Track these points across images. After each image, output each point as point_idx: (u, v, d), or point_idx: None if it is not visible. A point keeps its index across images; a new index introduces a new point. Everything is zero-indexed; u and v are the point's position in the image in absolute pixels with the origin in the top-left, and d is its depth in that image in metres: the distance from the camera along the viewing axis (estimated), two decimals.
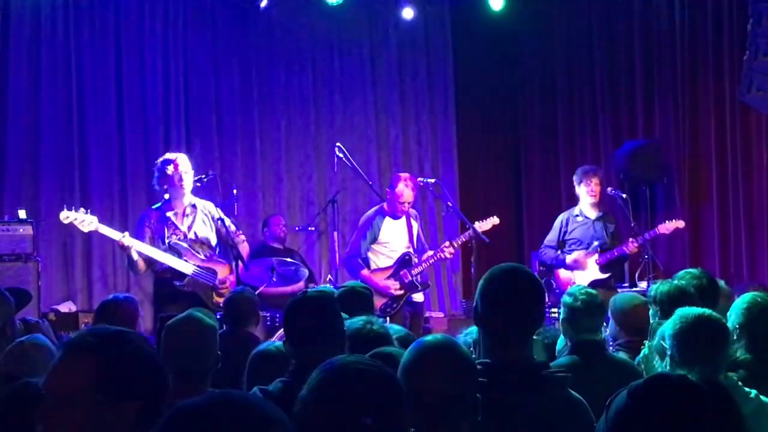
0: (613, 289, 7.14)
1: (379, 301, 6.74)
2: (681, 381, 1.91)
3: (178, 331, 3.55)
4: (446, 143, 10.21)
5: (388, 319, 6.60)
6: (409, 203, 7.04)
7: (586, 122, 9.90)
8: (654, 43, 9.27)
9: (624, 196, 7.69)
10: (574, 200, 9.77)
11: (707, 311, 3.39)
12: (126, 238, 5.98)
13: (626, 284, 8.06)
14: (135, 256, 6.05)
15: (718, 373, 3.20)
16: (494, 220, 7.15)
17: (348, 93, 9.75)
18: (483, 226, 7.05)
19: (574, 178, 7.84)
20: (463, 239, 7.13)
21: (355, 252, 7.05)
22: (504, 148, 10.64)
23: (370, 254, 7.05)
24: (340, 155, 7.37)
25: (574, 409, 2.65)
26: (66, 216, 6.01)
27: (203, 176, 6.40)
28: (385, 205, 7.12)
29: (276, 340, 4.04)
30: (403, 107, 10.03)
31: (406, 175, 7.19)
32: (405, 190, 7.01)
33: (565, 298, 4.05)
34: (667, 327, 3.27)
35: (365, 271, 6.94)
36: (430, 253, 7.12)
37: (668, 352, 3.21)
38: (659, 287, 4.41)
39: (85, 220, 5.98)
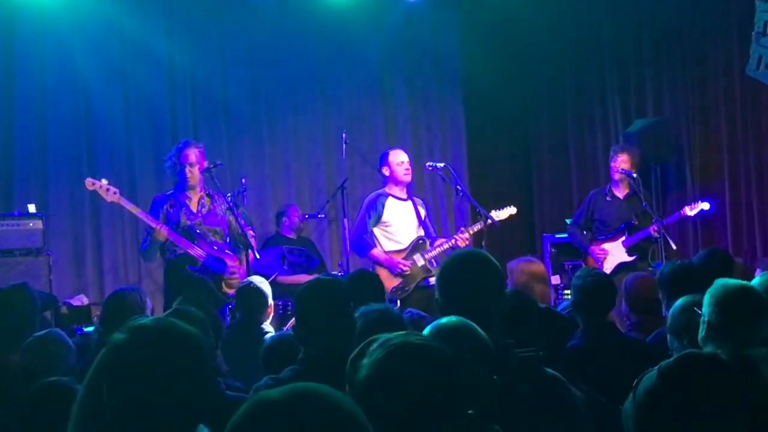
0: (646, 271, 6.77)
1: (390, 284, 6.64)
2: (712, 359, 1.88)
3: None
4: (455, 128, 10.15)
5: (399, 302, 6.55)
6: (407, 169, 6.85)
7: (595, 103, 9.83)
8: (662, 20, 9.20)
9: (635, 175, 7.50)
10: (584, 181, 9.79)
11: (749, 283, 3.35)
12: (163, 227, 6.07)
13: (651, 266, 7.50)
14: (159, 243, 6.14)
15: (753, 344, 3.17)
16: (511, 210, 6.98)
17: (355, 79, 9.69)
18: (499, 215, 6.89)
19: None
20: (478, 227, 6.79)
21: (362, 231, 6.87)
22: (513, 131, 10.57)
23: (375, 231, 6.86)
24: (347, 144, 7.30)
25: (548, 386, 2.60)
26: (92, 183, 6.07)
27: (212, 166, 6.39)
28: (386, 188, 6.94)
29: (289, 329, 4.04)
30: (411, 93, 9.96)
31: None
32: (396, 153, 6.90)
33: (575, 281, 4.02)
34: (708, 294, 3.22)
35: (375, 250, 6.79)
36: (444, 240, 6.94)
37: (705, 319, 3.17)
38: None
39: (109, 190, 6.06)
